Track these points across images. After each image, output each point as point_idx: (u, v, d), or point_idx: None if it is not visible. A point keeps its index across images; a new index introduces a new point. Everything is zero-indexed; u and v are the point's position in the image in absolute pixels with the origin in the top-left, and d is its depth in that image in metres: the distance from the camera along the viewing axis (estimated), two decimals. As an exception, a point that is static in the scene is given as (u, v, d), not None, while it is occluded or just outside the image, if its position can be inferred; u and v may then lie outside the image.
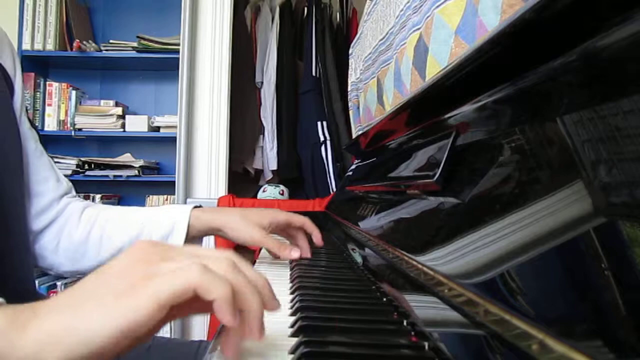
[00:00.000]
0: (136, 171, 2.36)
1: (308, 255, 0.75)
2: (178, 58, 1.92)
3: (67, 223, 0.74)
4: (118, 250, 0.74)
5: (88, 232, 0.74)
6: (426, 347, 0.36)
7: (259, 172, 2.46)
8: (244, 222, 0.73)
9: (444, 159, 0.50)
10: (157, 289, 0.30)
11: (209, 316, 1.83)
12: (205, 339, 1.81)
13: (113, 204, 2.53)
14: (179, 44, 1.94)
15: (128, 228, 0.75)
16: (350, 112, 1.66)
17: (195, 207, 0.77)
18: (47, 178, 0.73)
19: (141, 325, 0.30)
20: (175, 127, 1.97)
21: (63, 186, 0.76)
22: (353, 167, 1.37)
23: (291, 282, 0.60)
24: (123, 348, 0.31)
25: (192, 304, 0.32)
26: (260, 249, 0.86)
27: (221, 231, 0.75)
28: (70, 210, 0.75)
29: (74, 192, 0.79)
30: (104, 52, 2.37)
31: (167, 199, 2.44)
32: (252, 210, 0.78)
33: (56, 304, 0.32)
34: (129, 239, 0.74)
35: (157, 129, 2.41)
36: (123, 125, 2.39)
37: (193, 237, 0.76)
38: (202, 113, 1.96)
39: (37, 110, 2.38)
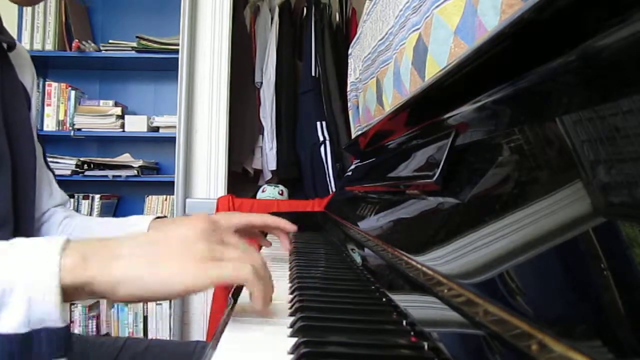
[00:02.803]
0: (135, 171, 2.36)
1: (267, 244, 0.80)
2: (177, 58, 1.92)
3: (47, 231, 0.78)
4: None
5: None
6: (426, 347, 0.36)
7: (258, 172, 2.46)
8: None
9: (443, 159, 0.50)
10: (220, 273, 0.40)
11: (208, 317, 1.83)
12: (204, 339, 1.81)
13: (112, 204, 2.53)
14: (178, 44, 1.94)
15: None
16: (350, 112, 1.66)
17: (158, 217, 0.77)
18: (42, 191, 0.78)
19: (194, 291, 0.39)
20: (175, 127, 1.97)
21: (55, 200, 0.81)
22: (352, 167, 1.37)
23: (290, 282, 0.60)
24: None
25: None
26: (261, 247, 0.86)
27: None
28: (52, 220, 0.79)
29: (66, 206, 0.84)
30: (103, 52, 2.37)
31: (166, 199, 2.44)
32: (211, 216, 0.79)
33: (134, 251, 0.41)
34: None
35: (157, 129, 2.41)
36: (122, 125, 2.39)
37: None
38: (201, 113, 1.96)
39: (37, 110, 2.38)
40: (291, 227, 0.76)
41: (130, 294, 0.39)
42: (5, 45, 0.69)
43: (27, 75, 0.76)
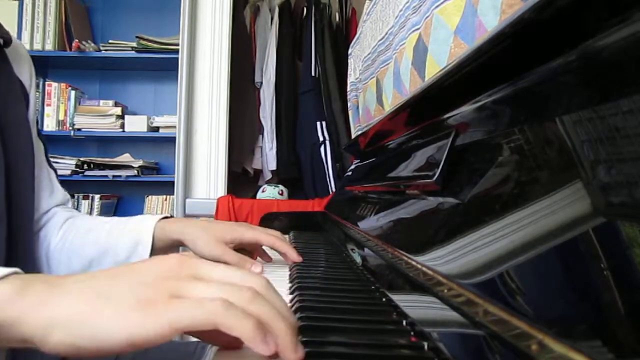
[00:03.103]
0: (135, 171, 2.36)
1: (258, 269, 0.69)
2: (177, 58, 1.92)
3: (48, 233, 0.76)
4: (88, 262, 0.74)
5: (63, 243, 0.75)
6: (425, 347, 0.36)
7: (258, 172, 2.46)
8: (205, 237, 0.70)
9: (443, 159, 0.50)
10: (178, 315, 0.30)
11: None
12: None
13: (112, 204, 2.53)
14: (178, 44, 1.94)
15: (96, 240, 0.74)
16: (350, 112, 1.66)
17: (165, 217, 0.75)
18: (43, 190, 0.76)
19: (150, 342, 0.30)
20: (175, 127, 1.97)
21: (57, 198, 0.79)
22: (352, 167, 1.37)
23: (290, 282, 0.60)
24: (123, 352, 0.31)
25: (219, 335, 0.32)
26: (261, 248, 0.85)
27: (183, 244, 0.73)
28: (53, 221, 0.77)
29: (69, 205, 0.82)
30: (103, 52, 2.37)
31: (166, 199, 2.44)
32: (218, 224, 0.74)
33: (78, 287, 0.33)
34: (97, 251, 0.74)
35: (157, 129, 2.41)
36: (122, 125, 2.39)
37: (160, 249, 0.74)
38: (201, 113, 1.96)
39: (36, 110, 2.38)
40: (297, 258, 0.73)
41: (66, 342, 0.30)
42: (0, 41, 0.67)
43: (25, 72, 0.74)
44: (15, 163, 0.66)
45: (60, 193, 0.80)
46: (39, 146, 0.75)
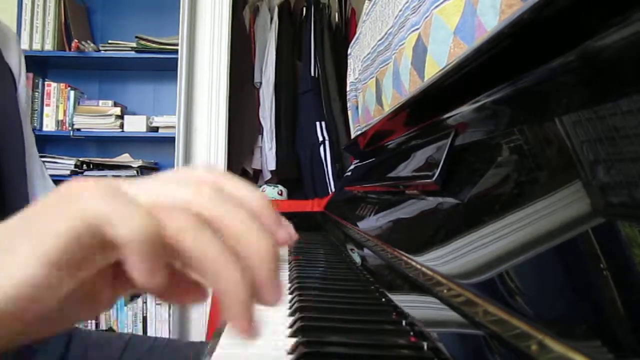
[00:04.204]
0: (135, 171, 2.36)
1: None
2: (177, 58, 1.92)
3: None
4: None
5: None
6: (425, 347, 0.36)
7: (258, 173, 2.46)
8: None
9: (443, 159, 0.50)
10: (39, 242, 0.20)
11: (208, 317, 1.83)
12: (204, 339, 1.80)
13: (111, 204, 2.53)
14: (177, 44, 1.94)
15: None
16: (349, 113, 1.66)
17: None
18: (36, 185, 0.74)
19: (31, 300, 0.20)
20: (174, 127, 1.97)
21: (48, 191, 0.77)
22: (352, 167, 1.37)
23: (289, 282, 0.60)
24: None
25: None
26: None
27: None
28: None
29: None
30: (102, 52, 2.37)
31: (165, 199, 2.43)
32: None
33: None
34: None
35: (156, 129, 2.41)
36: (122, 126, 2.39)
37: None
38: (200, 113, 1.96)
39: (36, 110, 2.38)
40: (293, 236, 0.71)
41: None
42: None
43: (13, 56, 0.70)
44: (4, 151, 0.63)
45: (52, 187, 0.79)
46: (32, 139, 0.72)
